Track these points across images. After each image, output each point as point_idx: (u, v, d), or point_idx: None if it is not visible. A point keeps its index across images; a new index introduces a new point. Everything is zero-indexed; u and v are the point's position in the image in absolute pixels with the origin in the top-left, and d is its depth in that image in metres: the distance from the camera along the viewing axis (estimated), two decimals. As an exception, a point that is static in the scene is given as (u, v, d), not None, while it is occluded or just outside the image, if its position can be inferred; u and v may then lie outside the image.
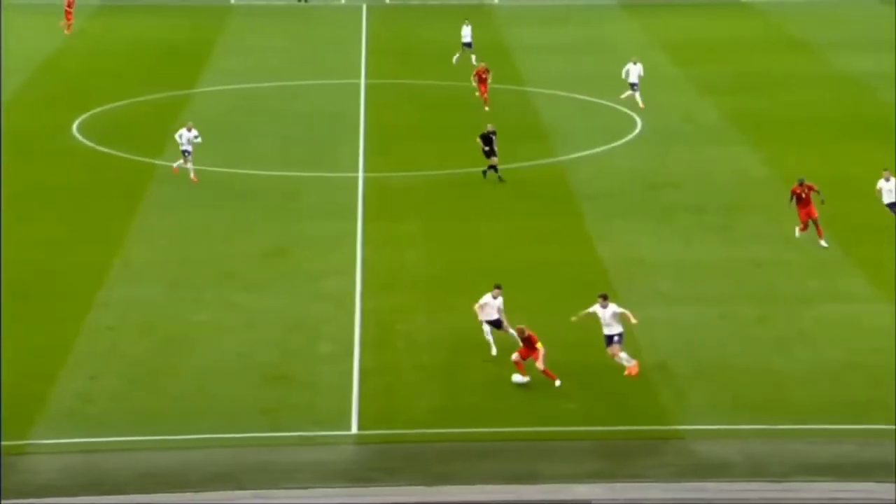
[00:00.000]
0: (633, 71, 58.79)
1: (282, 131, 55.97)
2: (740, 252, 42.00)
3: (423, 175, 50.01)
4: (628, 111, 58.47)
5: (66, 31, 73.48)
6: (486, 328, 34.69)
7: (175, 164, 48.59)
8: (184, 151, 48.33)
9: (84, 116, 56.86)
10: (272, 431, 31.09)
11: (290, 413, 31.91)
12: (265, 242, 42.68)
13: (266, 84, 64.18)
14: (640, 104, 58.02)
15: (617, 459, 30.07)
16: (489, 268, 40.42)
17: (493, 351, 34.38)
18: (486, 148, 48.54)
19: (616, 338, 33.43)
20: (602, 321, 33.53)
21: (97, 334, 36.03)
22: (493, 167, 48.53)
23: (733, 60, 69.17)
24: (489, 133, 48.67)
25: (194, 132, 48.60)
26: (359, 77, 65.56)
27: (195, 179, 47.91)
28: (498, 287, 34.94)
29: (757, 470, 29.34)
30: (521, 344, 33.35)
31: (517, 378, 33.11)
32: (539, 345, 33.09)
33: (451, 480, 29.18)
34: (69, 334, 35.70)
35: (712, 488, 28.68)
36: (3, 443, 30.26)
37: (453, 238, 43.60)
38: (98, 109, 58.38)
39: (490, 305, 34.64)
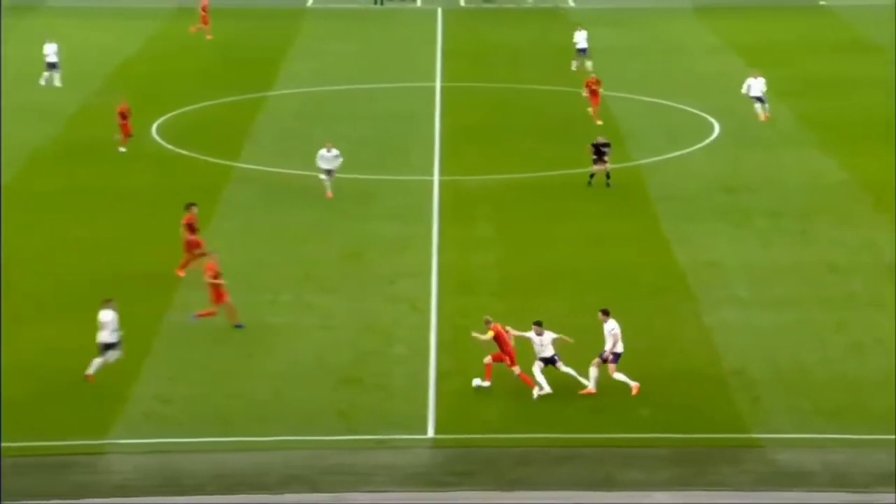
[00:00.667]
0: (755, 85, 57.62)
1: (356, 134, 56.08)
2: (816, 256, 41.66)
3: (497, 178, 49.96)
4: (706, 115, 58.12)
5: (207, 37, 73.14)
6: (539, 366, 33.26)
7: (328, 192, 47.23)
8: (326, 171, 46.99)
9: (162, 119, 57.30)
10: (348, 434, 31.16)
11: (366, 416, 31.96)
12: (340, 245, 42.83)
13: (340, 87, 64.39)
14: (762, 116, 56.73)
15: (693, 467, 29.85)
16: (564, 271, 40.31)
17: (543, 391, 32.91)
18: (595, 156, 48.34)
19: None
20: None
21: (175, 335, 36.29)
22: (607, 174, 48.28)
23: (808, 63, 68.60)
24: (601, 144, 48.37)
25: (335, 151, 47.08)
26: (434, 80, 65.59)
27: (330, 196, 46.86)
28: (538, 324, 33.43)
29: (838, 480, 29.07)
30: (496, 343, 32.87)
31: (477, 381, 32.84)
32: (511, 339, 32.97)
33: (526, 485, 29.12)
34: (148, 335, 35.96)
35: (792, 498, 28.45)
36: (82, 442, 30.56)
37: (528, 241, 43.53)
38: (176, 112, 58.80)
39: (538, 343, 33.32)
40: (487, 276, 40.52)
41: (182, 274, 39.59)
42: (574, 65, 66.50)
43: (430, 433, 31.32)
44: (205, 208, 46.24)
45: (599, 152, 48.35)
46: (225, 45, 73.15)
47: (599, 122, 55.81)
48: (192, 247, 40.08)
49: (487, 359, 33.18)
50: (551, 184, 49.18)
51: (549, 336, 33.04)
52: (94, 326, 36.15)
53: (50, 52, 62.24)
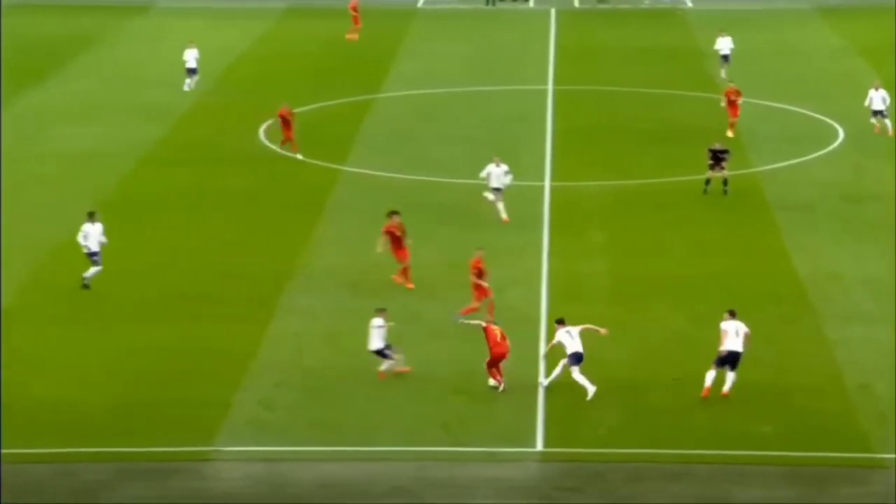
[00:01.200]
0: (877, 97, 55.75)
1: (465, 137, 55.48)
2: (945, 270, 40.21)
3: (610, 184, 49.01)
4: (829, 120, 56.64)
5: (353, 37, 73.03)
6: (575, 369, 32.70)
7: (503, 215, 44.77)
8: (495, 189, 44.47)
9: (270, 121, 57.08)
10: (454, 446, 30.56)
11: (473, 427, 31.33)
12: (448, 251, 42.08)
13: (450, 89, 63.79)
14: (889, 132, 54.71)
15: (814, 486, 28.82)
16: (676, 280, 39.38)
17: (589, 392, 32.42)
18: (712, 162, 47.15)
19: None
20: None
21: (281, 341, 35.90)
22: (725, 180, 47.11)
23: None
24: (719, 151, 47.13)
25: (504, 167, 44.35)
26: (546, 82, 64.73)
27: (506, 219, 44.49)
28: (560, 321, 33.14)
29: (967, 505, 27.82)
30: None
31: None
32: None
33: (637, 502, 28.34)
34: (253, 340, 35.58)
35: (917, 523, 27.30)
36: (188, 448, 30.40)
37: (640, 249, 42.60)
38: (285, 113, 58.50)
39: (568, 339, 32.81)
40: (598, 285, 39.66)
41: (406, 284, 38.72)
42: (722, 72, 63.79)
43: (539, 446, 30.62)
44: (310, 212, 46.06)
45: (717, 158, 47.13)
46: (334, 46, 72.90)
47: (730, 134, 53.52)
48: (404, 256, 39.06)
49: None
50: (665, 190, 48.19)
51: (575, 329, 32.71)
52: (202, 329, 36.06)
53: (190, 57, 61.75)
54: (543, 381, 33.10)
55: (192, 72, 61.93)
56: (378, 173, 50.47)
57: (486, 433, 30.99)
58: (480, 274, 36.77)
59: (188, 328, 36.56)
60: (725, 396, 32.23)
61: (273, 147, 53.82)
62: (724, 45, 64.81)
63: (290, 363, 34.63)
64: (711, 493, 28.52)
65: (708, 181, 47.60)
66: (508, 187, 44.58)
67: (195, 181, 49.45)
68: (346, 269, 40.90)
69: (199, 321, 37.01)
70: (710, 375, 32.37)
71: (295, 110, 51.15)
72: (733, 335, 32.37)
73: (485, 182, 45.13)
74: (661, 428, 31.24)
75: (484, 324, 33.34)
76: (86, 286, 38.79)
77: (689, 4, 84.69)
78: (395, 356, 33.57)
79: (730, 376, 32.32)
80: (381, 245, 39.20)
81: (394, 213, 39.66)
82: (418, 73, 66.58)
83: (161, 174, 50.49)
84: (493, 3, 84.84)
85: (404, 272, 39.11)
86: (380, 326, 33.41)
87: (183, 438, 30.75)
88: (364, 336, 35.57)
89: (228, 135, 55.59)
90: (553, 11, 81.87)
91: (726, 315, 32.81)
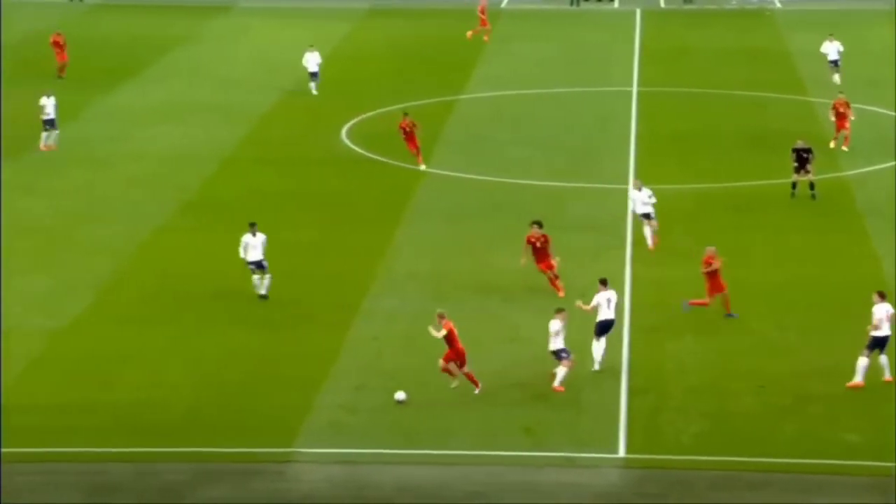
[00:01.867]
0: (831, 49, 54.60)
1: (547, 139, 55.14)
2: None
3: (695, 188, 48.41)
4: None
5: (485, 38, 72.76)
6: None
7: (649, 236, 42.74)
8: (643, 216, 42.56)
9: (352, 122, 57.06)
10: (533, 451, 30.30)
11: (553, 432, 31.04)
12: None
13: (534, 90, 63.41)
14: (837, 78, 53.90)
15: (901, 498, 28.24)
16: (764, 286, 38.78)
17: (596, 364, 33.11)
18: (797, 164, 46.45)
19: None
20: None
21: (361, 344, 35.80)
22: (811, 184, 46.40)
23: None
24: (803, 150, 46.42)
25: (647, 191, 42.23)
26: (630, 84, 64.15)
27: (653, 246, 42.25)
28: (603, 282, 34.31)
29: None
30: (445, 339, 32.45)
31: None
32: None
33: (721, 511, 27.96)
34: (334, 343, 35.51)
35: None
36: (268, 450, 30.38)
37: (726, 254, 41.68)
38: (366, 115, 58.52)
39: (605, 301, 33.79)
40: (681, 291, 39.03)
41: (557, 292, 38.25)
42: (836, 78, 61.96)
43: (621, 453, 30.26)
44: (391, 213, 45.93)
45: (801, 159, 46.40)
46: (417, 47, 72.79)
47: (845, 148, 51.98)
48: (548, 267, 38.54)
49: (440, 363, 32.58)
50: (752, 194, 47.56)
51: (614, 298, 34.08)
52: (283, 332, 36.05)
53: (311, 61, 61.57)
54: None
55: (313, 75, 61.34)
56: (460, 175, 50.24)
57: (567, 438, 30.68)
58: (713, 269, 36.60)
59: (270, 331, 36.56)
60: (889, 382, 32.05)
61: (356, 148, 53.77)
62: (831, 49, 63.04)
63: (370, 366, 34.49)
64: (796, 501, 28.06)
65: (794, 185, 46.90)
66: (653, 211, 42.48)
67: (277, 183, 49.47)
68: (427, 271, 40.71)
69: (280, 324, 37.00)
70: (863, 364, 31.95)
71: (416, 122, 50.30)
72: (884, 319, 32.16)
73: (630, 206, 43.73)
74: (745, 435, 30.77)
75: (448, 324, 32.73)
76: (263, 297, 38.08)
77: (778, 5, 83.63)
78: (570, 359, 33.14)
79: (882, 360, 32.09)
80: (524, 255, 38.65)
81: (535, 223, 38.88)
82: (501, 75, 66.24)
83: (243, 175, 50.57)
84: (578, 4, 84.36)
85: (552, 281, 38.51)
86: (559, 327, 32.98)
87: (264, 440, 30.74)
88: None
89: (311, 136, 55.61)
90: (638, 12, 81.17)
91: (876, 297, 32.62)
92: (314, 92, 61.26)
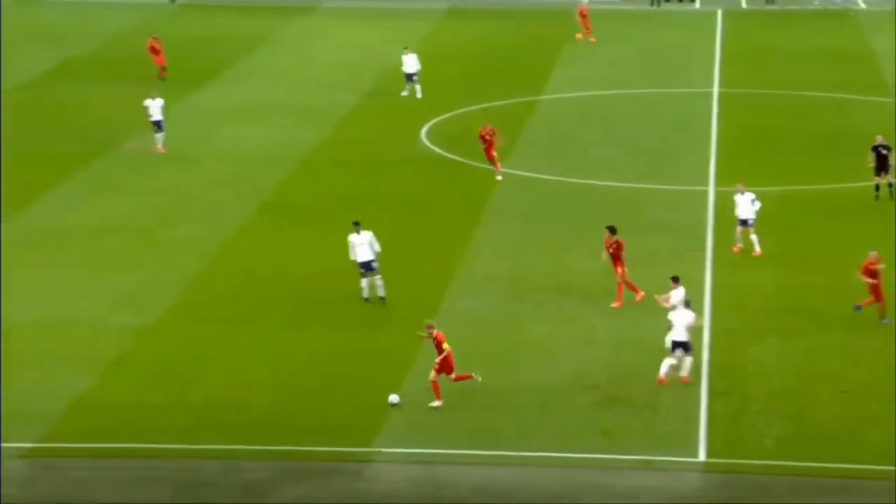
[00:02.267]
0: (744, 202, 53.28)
1: (627, 140, 54.90)
2: None
3: (777, 190, 47.97)
4: None
5: (591, 40, 72.70)
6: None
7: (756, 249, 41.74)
8: (742, 221, 41.80)
9: (432, 123, 57.13)
10: (610, 453, 30.24)
11: (631, 435, 30.95)
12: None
13: (613, 91, 63.17)
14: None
15: None
16: (848, 291, 38.25)
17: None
18: (876, 165, 45.93)
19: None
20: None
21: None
22: (890, 185, 45.90)
23: None
24: (882, 146, 45.88)
25: (749, 195, 41.52)
26: (711, 85, 63.69)
27: (758, 253, 41.35)
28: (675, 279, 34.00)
29: None
30: (435, 350, 32.13)
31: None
32: (446, 345, 32.06)
33: (803, 517, 27.79)
34: (413, 343, 35.57)
35: None
36: (348, 449, 30.55)
37: (807, 258, 41.67)
38: (446, 116, 58.56)
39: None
40: (763, 295, 38.85)
41: (636, 295, 38.10)
42: None
43: (702, 456, 30.08)
44: (470, 214, 45.95)
45: (881, 157, 45.84)
46: (497, 47, 72.72)
47: None
48: (622, 276, 38.32)
49: (433, 375, 32.30)
50: (834, 196, 47.10)
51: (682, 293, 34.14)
52: (363, 331, 36.20)
53: (409, 63, 61.26)
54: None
55: (410, 77, 61.05)
56: (539, 175, 50.17)
57: (645, 441, 30.56)
58: (874, 275, 36.18)
59: (349, 330, 36.72)
60: None
61: (435, 149, 53.85)
62: None
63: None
64: (880, 509, 27.86)
65: (878, 187, 46.41)
66: (757, 215, 41.95)
67: (356, 183, 49.62)
68: (505, 272, 40.70)
69: (359, 323, 37.15)
70: None
71: (496, 129, 50.03)
72: None
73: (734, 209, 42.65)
74: (827, 441, 30.52)
75: (440, 336, 32.48)
76: (382, 298, 37.89)
77: (862, 6, 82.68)
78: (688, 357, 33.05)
79: None
80: (603, 258, 38.55)
81: (608, 228, 38.62)
82: (582, 75, 66.01)
83: (323, 176, 50.79)
84: (658, 4, 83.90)
85: (628, 285, 38.25)
86: (688, 321, 32.91)
87: (344, 439, 30.91)
88: (521, 339, 35.52)
89: (390, 137, 55.73)
90: (719, 12, 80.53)
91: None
92: (418, 95, 60.40)
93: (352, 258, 38.02)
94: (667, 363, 32.95)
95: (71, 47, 71.14)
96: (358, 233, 37.95)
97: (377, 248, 37.91)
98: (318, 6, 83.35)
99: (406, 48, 62.04)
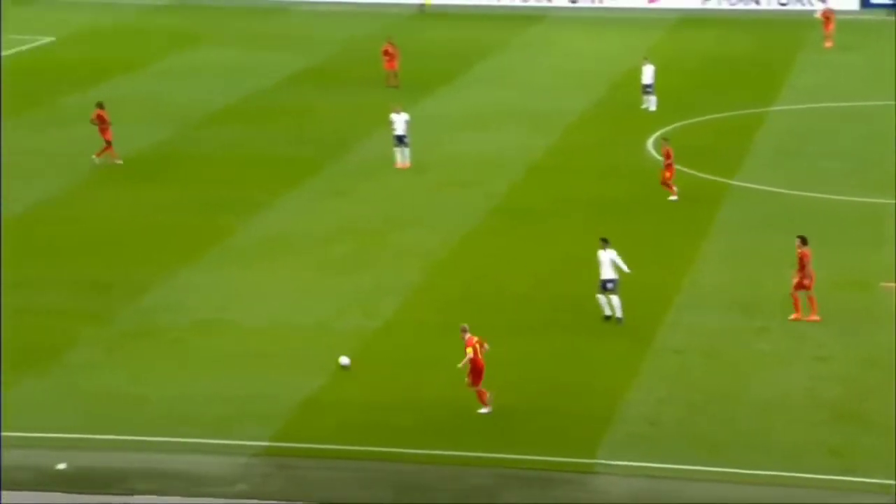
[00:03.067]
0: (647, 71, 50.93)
1: (859, 154, 53.64)
2: None
3: None
4: None
5: (826, 44, 72.23)
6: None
7: None
8: None
9: (658, 133, 56.69)
10: (841, 475, 29.61)
11: (863, 456, 30.28)
12: (841, 271, 40.77)
13: (847, 103, 61.77)
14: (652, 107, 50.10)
15: None
16: None
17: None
18: None
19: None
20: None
21: (664, 357, 35.66)
22: None
23: None
24: None
25: None
26: (947, 99, 61.84)
27: None
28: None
29: None
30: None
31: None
32: (468, 350, 31.73)
33: None
34: (637, 355, 35.52)
35: None
36: (569, 459, 30.48)
37: None
38: (673, 126, 58.07)
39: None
40: None
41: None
42: None
43: (933, 482, 29.22)
44: (697, 227, 45.48)
45: None
46: (728, 56, 71.82)
47: None
48: (802, 286, 38.03)
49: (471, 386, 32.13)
50: None
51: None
52: (586, 341, 36.17)
53: (647, 74, 60.38)
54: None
55: (647, 88, 60.24)
56: (767, 188, 49.44)
57: (879, 463, 29.85)
58: None
59: (572, 339, 36.73)
60: None
61: (661, 159, 53.42)
62: None
63: (673, 379, 34.35)
64: None
65: None
66: None
67: (582, 191, 49.56)
68: (733, 286, 40.20)
69: (583, 332, 37.14)
70: None
71: (672, 150, 49.24)
72: None
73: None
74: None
75: (471, 340, 32.30)
76: (619, 320, 37.48)
77: None
78: None
79: None
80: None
81: (799, 237, 38.06)
82: (815, 86, 64.71)
83: (549, 182, 50.88)
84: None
85: (808, 300, 37.70)
86: None
87: (565, 449, 30.93)
88: (747, 354, 35.06)
89: (616, 145, 55.54)
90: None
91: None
92: (651, 108, 59.83)
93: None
94: None
95: (309, 55, 72.63)
96: (605, 250, 38.00)
97: (625, 268, 37.73)
98: (548, 15, 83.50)
99: (645, 58, 61.61)
